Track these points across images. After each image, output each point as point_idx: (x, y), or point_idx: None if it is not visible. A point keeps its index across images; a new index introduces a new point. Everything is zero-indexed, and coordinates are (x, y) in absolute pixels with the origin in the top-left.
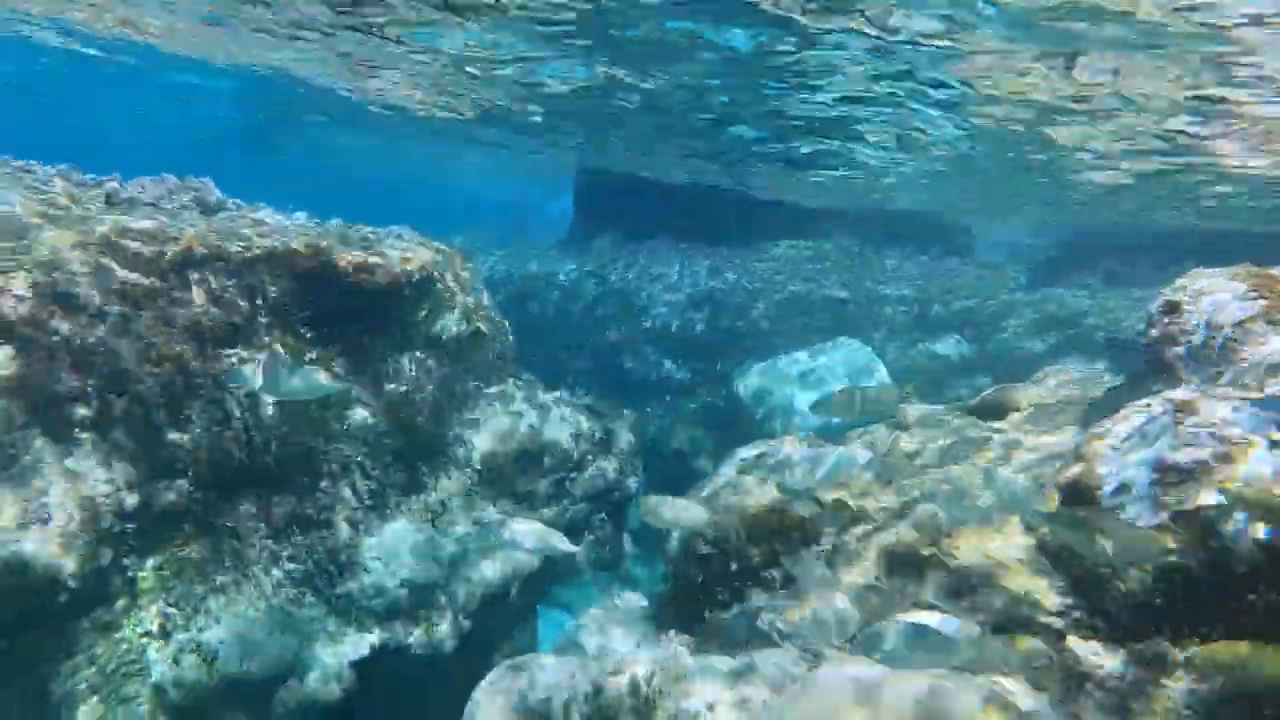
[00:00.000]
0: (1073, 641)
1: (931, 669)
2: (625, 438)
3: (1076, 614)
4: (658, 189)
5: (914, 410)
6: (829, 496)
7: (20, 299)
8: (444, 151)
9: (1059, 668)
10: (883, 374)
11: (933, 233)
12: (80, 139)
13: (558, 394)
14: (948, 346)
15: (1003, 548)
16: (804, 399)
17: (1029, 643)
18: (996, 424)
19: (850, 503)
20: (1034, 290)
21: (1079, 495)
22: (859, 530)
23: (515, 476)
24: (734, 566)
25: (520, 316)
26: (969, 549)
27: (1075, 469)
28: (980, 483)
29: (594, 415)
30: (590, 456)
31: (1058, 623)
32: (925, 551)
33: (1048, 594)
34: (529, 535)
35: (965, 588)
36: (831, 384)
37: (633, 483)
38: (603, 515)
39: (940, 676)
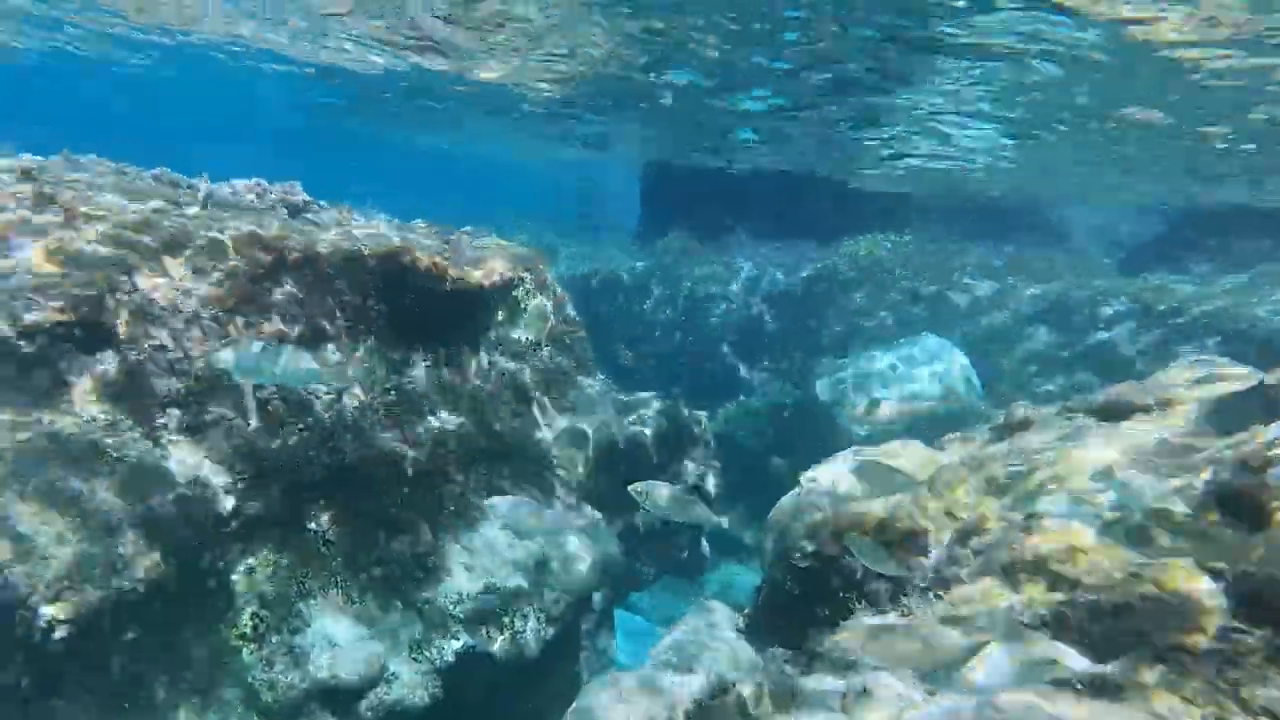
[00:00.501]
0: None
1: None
2: (703, 439)
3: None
4: (729, 182)
5: (1025, 410)
6: (940, 505)
7: (121, 302)
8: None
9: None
10: (967, 371)
11: (1020, 221)
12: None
13: (636, 395)
14: (1037, 340)
15: (1144, 565)
16: (885, 397)
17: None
18: (1125, 425)
19: (963, 513)
20: (1132, 276)
21: (1244, 508)
22: (976, 542)
23: (596, 478)
24: (837, 579)
25: (586, 315)
26: (1100, 566)
27: (1241, 478)
28: (1113, 491)
29: (671, 416)
30: (669, 458)
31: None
32: (1054, 568)
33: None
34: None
35: (1100, 611)
36: (915, 381)
37: (711, 484)
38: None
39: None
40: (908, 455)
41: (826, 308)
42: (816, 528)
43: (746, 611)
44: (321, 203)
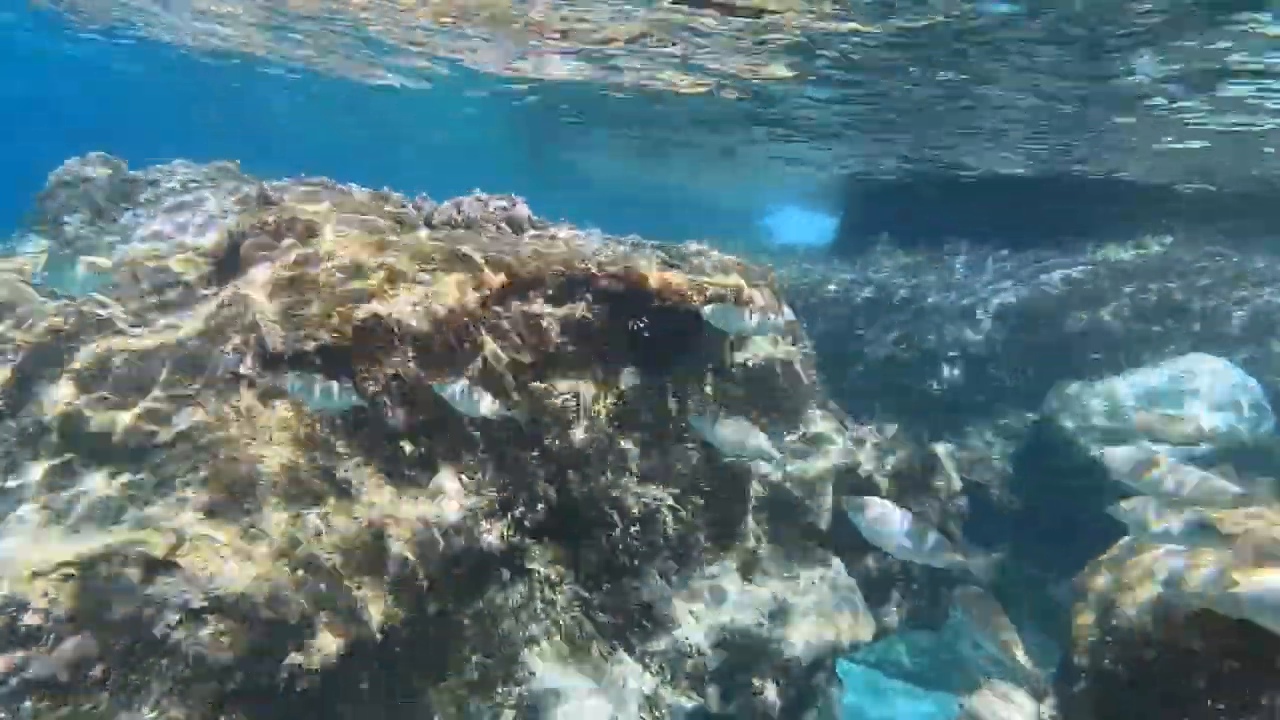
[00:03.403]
0: None
1: None
2: (945, 473)
3: None
4: (947, 187)
5: None
6: None
7: (358, 329)
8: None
9: None
10: (1257, 399)
11: None
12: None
13: (868, 425)
14: None
15: None
16: (1149, 428)
17: None
18: None
19: None
20: None
21: None
22: None
23: (830, 519)
24: (1201, 682)
25: None
26: None
27: None
28: None
29: (912, 450)
30: (909, 496)
31: None
32: None
33: None
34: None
35: None
36: (1188, 410)
37: (955, 526)
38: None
39: None
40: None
41: (1069, 322)
42: (1174, 617)
43: (1050, 701)
44: (540, 218)
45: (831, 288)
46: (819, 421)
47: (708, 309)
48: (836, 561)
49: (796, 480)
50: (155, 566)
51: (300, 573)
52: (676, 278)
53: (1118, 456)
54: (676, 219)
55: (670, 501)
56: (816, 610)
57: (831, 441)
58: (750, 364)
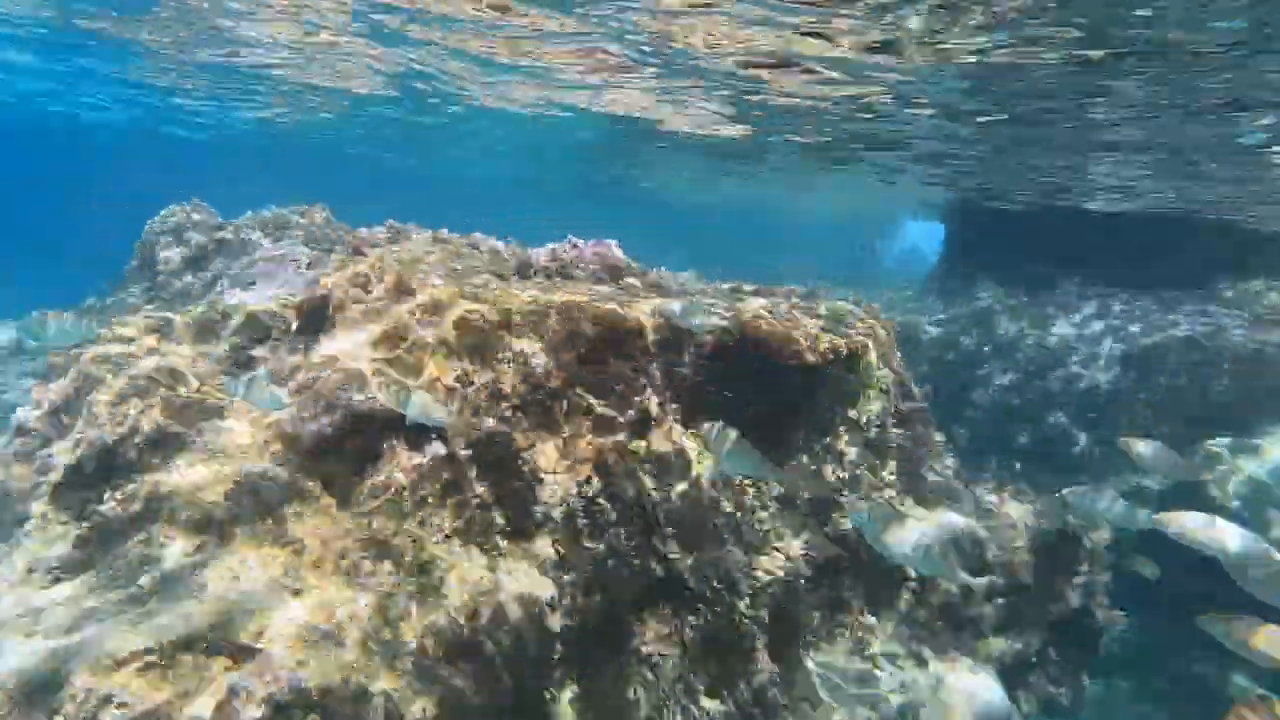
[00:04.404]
0: None
1: None
2: (1088, 545)
3: None
4: (1063, 223)
5: None
6: None
7: (449, 390)
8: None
9: None
10: None
11: None
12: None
13: (988, 487)
14: None
15: None
16: None
17: None
18: None
19: None
20: None
21: None
22: None
23: (965, 594)
24: None
25: None
26: None
27: None
28: None
29: (1051, 519)
30: (1047, 570)
31: None
32: None
33: None
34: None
35: None
36: None
37: (1100, 608)
38: (1058, 646)
39: None
40: None
41: (1208, 369)
42: None
43: None
44: (637, 263)
45: (930, 327)
46: (942, 480)
47: (836, 361)
48: (974, 644)
49: (929, 547)
50: (241, 653)
51: (391, 661)
52: (788, 328)
53: (1243, 554)
54: (762, 234)
55: (782, 575)
56: (962, 704)
57: (958, 508)
58: (865, 420)
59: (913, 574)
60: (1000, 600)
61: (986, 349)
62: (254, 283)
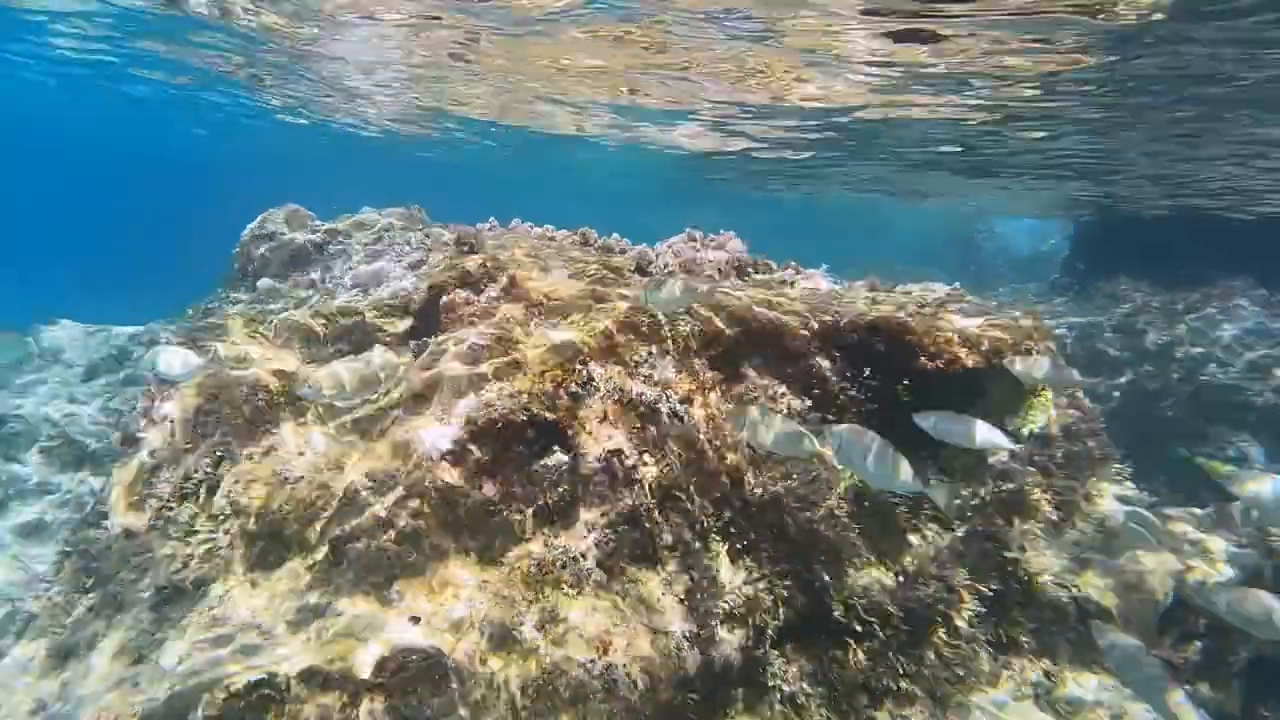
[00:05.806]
0: None
1: None
2: None
3: None
4: (1207, 224)
5: None
6: None
7: (572, 398)
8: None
9: None
10: None
11: None
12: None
13: (1171, 512)
14: None
15: None
16: None
17: None
18: None
19: None
20: None
21: None
22: None
23: (1155, 631)
24: None
25: None
26: None
27: None
28: None
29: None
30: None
31: None
32: None
33: None
34: None
35: None
36: None
37: None
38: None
39: None
40: None
41: None
42: None
43: None
44: (765, 258)
45: (1061, 331)
46: (1117, 504)
47: (1009, 363)
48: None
49: (1099, 576)
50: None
51: (516, 702)
52: (941, 331)
53: None
54: (864, 229)
55: (937, 601)
56: None
57: (1143, 536)
58: (1024, 431)
59: (1097, 605)
60: (1200, 639)
61: (1126, 351)
62: (354, 281)
